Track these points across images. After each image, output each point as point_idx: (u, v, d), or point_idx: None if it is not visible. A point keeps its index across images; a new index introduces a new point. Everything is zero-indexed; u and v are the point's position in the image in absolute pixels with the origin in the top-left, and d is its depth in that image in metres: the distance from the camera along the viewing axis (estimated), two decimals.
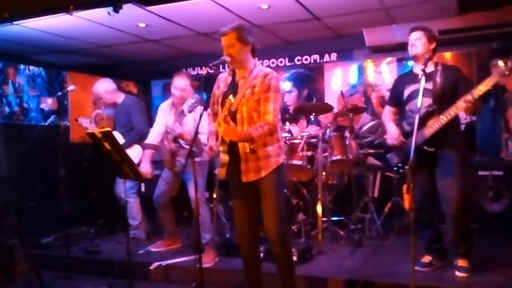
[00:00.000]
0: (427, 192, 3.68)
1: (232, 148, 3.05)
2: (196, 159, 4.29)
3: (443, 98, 3.47)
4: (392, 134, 3.74)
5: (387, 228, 4.97)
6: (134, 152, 4.98)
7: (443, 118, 3.43)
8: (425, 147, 3.53)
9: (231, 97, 3.03)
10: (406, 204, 2.81)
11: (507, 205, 4.67)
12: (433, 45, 3.59)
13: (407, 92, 3.70)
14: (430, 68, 3.54)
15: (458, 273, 3.53)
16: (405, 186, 2.80)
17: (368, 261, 4.15)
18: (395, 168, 3.83)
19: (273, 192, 3.05)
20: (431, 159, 3.57)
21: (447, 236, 3.64)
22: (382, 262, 4.08)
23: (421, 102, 3.37)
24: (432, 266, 3.77)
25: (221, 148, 3.12)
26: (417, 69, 3.62)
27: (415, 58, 3.65)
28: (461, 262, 3.57)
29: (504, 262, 3.52)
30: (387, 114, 3.92)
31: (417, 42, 3.57)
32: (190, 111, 3.90)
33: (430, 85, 3.53)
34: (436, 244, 3.78)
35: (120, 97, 5.26)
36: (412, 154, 2.81)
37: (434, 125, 3.48)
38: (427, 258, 3.81)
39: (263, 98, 3.00)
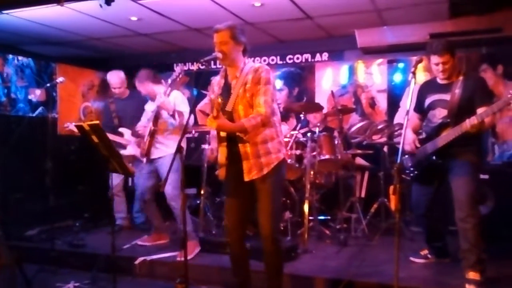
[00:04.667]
0: (431, 197, 3.81)
1: (232, 149, 3.06)
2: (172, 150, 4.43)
3: (460, 111, 3.45)
4: (407, 140, 3.74)
5: (373, 229, 5.01)
6: None
7: (451, 136, 3.45)
8: (434, 158, 3.61)
9: (219, 99, 2.99)
10: (392, 205, 2.83)
11: (492, 208, 4.73)
12: (455, 58, 3.57)
13: (428, 101, 3.72)
14: (450, 79, 3.59)
15: (467, 286, 3.37)
16: (391, 187, 2.82)
17: (353, 260, 4.18)
18: (407, 171, 3.88)
19: (271, 190, 3.05)
20: (442, 168, 3.62)
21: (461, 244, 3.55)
22: (366, 262, 4.12)
23: (438, 113, 3.62)
24: (427, 259, 4.05)
25: (219, 150, 3.13)
26: (441, 80, 3.66)
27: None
28: (471, 275, 3.41)
29: (489, 265, 3.55)
30: (410, 119, 3.81)
31: (446, 66, 3.54)
32: (173, 80, 4.16)
33: (448, 97, 3.55)
34: (435, 242, 4.00)
35: (126, 92, 5.37)
36: (399, 157, 2.84)
37: (445, 138, 3.50)
38: (424, 251, 4.08)
39: (254, 92, 3.00)
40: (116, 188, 5.15)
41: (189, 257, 4.08)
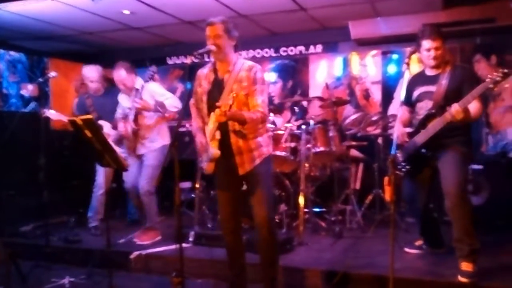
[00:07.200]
0: (425, 189, 3.79)
1: (224, 141, 3.04)
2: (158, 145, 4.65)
3: (445, 101, 3.41)
4: (397, 133, 3.65)
5: (368, 220, 5.02)
6: None
7: (437, 126, 3.41)
8: (423, 151, 3.57)
9: (230, 100, 2.88)
10: (387, 196, 2.84)
11: (486, 199, 4.75)
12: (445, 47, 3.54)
13: (415, 93, 3.69)
14: (438, 69, 3.57)
15: (460, 278, 3.32)
16: (386, 179, 2.83)
17: (348, 252, 4.19)
18: (399, 167, 3.77)
19: (264, 180, 3.12)
20: (432, 161, 3.59)
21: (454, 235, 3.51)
22: (361, 253, 4.13)
23: (425, 105, 3.60)
24: (422, 250, 4.05)
25: (211, 144, 3.10)
26: (429, 71, 3.65)
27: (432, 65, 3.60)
28: (464, 266, 3.36)
29: (483, 255, 3.56)
30: (401, 112, 3.73)
31: (438, 52, 3.49)
32: (148, 80, 4.42)
33: (434, 88, 3.54)
34: (429, 233, 3.99)
35: (101, 88, 5.19)
36: (393, 150, 2.83)
37: (432, 129, 3.47)
38: (418, 242, 4.09)
39: (251, 92, 3.05)
40: (101, 185, 5.03)
41: (147, 242, 4.54)
